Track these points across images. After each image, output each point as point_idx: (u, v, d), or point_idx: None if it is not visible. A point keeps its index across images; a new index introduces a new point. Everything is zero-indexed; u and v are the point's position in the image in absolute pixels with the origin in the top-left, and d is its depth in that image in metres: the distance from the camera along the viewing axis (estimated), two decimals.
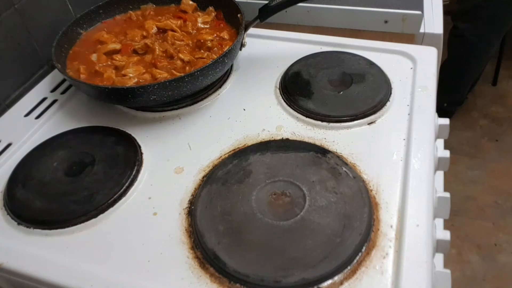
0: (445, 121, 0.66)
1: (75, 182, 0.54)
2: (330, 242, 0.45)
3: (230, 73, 0.73)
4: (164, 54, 0.68)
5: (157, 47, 0.68)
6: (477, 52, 1.53)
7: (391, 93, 0.64)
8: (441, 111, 1.70)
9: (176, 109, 0.66)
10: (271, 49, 0.77)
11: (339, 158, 0.54)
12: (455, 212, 1.43)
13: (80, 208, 0.51)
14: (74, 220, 0.50)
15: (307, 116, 0.62)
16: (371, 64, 0.69)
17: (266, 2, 0.67)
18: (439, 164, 0.61)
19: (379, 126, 0.60)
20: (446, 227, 0.60)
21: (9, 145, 0.62)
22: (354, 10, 0.83)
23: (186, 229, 0.49)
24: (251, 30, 0.71)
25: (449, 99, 1.69)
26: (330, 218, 0.47)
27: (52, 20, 0.76)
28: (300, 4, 0.68)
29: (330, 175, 0.51)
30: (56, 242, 0.49)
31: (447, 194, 0.56)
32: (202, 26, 0.75)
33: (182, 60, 0.67)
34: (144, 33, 0.72)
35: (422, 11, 0.80)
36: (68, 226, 0.50)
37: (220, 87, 0.70)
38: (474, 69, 1.62)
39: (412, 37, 0.83)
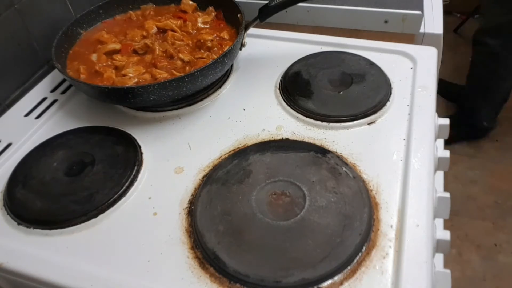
0: (445, 121, 0.66)
1: (75, 182, 0.54)
2: (330, 242, 0.45)
3: (230, 73, 0.73)
4: (164, 54, 0.68)
5: (157, 47, 0.68)
6: (509, 66, 1.52)
7: (391, 93, 0.64)
8: (482, 130, 1.66)
9: (176, 109, 0.66)
10: (271, 49, 0.77)
11: (339, 158, 0.54)
12: (455, 212, 1.43)
13: (80, 208, 0.51)
14: (74, 220, 0.50)
15: (307, 116, 0.62)
16: (371, 64, 0.69)
17: (266, 2, 0.67)
18: (439, 164, 0.61)
19: (379, 126, 0.60)
20: (446, 227, 0.60)
21: (9, 145, 0.62)
22: (354, 10, 0.83)
23: (186, 229, 0.49)
24: (251, 30, 0.71)
25: (487, 118, 1.65)
26: (330, 218, 0.47)
27: (52, 20, 0.76)
28: (300, 4, 0.68)
29: (330, 175, 0.51)
30: (56, 242, 0.49)
31: (447, 194, 0.56)
32: (202, 26, 0.75)
33: (182, 60, 0.67)
34: (144, 33, 0.72)
35: (422, 11, 0.80)
36: (68, 226, 0.50)
37: (220, 87, 0.70)
38: (507, 83, 1.59)
39: (412, 37, 0.83)
